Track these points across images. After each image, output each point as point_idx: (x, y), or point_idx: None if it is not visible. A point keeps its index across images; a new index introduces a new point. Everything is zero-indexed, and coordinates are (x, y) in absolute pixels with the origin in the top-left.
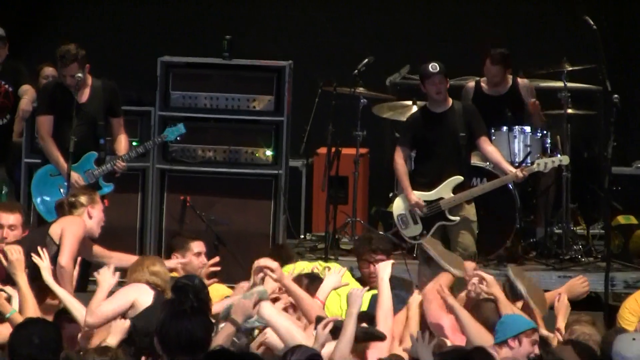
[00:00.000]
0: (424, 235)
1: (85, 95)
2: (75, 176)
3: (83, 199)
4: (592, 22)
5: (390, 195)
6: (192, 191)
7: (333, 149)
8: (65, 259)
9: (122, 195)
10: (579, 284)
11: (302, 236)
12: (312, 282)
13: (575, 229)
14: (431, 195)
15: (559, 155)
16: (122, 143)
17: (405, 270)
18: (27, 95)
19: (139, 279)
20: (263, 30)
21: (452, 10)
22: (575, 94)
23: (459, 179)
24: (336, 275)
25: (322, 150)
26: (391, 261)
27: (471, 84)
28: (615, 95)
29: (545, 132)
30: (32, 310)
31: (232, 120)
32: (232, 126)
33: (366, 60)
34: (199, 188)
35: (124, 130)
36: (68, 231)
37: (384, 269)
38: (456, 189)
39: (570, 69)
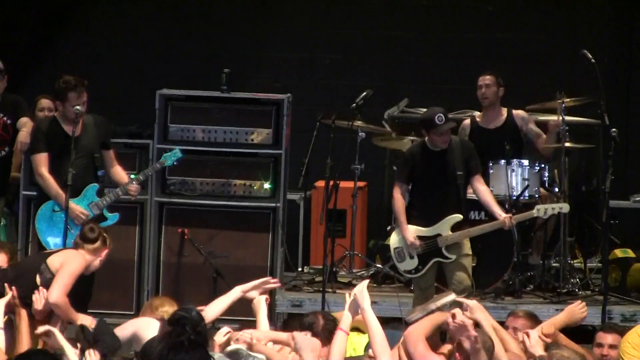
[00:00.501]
0: (419, 270)
1: (79, 129)
2: (78, 209)
3: (107, 238)
4: (590, 56)
5: (388, 228)
6: (191, 224)
7: (331, 183)
8: (56, 294)
9: (121, 228)
10: (578, 309)
11: (299, 269)
12: (327, 322)
13: (572, 262)
14: (429, 231)
15: (560, 203)
16: (121, 172)
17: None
18: (26, 127)
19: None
20: (262, 64)
21: (450, 44)
22: (573, 128)
23: (458, 217)
24: (355, 303)
25: (321, 183)
26: (365, 283)
27: (466, 121)
28: (614, 129)
29: (543, 165)
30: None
31: (230, 153)
32: (230, 159)
33: (364, 93)
34: (197, 221)
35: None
36: (67, 267)
37: (362, 297)
38: (454, 227)
39: (568, 102)
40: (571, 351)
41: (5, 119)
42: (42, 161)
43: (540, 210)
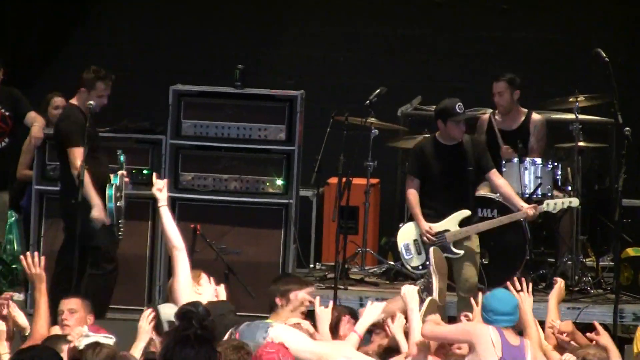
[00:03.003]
0: (427, 266)
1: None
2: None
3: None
4: (604, 55)
5: (401, 225)
6: (203, 220)
7: (344, 179)
8: None
9: (133, 224)
10: (561, 287)
11: (311, 266)
12: (353, 316)
13: (585, 260)
14: (437, 226)
15: (569, 197)
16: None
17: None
18: (37, 122)
19: None
20: (275, 61)
21: (464, 43)
22: (587, 127)
23: (466, 212)
24: (375, 308)
25: (333, 180)
26: (416, 288)
27: (485, 116)
28: (627, 128)
29: (556, 163)
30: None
31: (243, 149)
32: (243, 155)
33: (378, 90)
34: (209, 217)
35: None
36: None
37: (412, 296)
38: (463, 223)
39: (582, 100)
40: (597, 349)
41: (3, 110)
42: (80, 154)
43: (550, 205)
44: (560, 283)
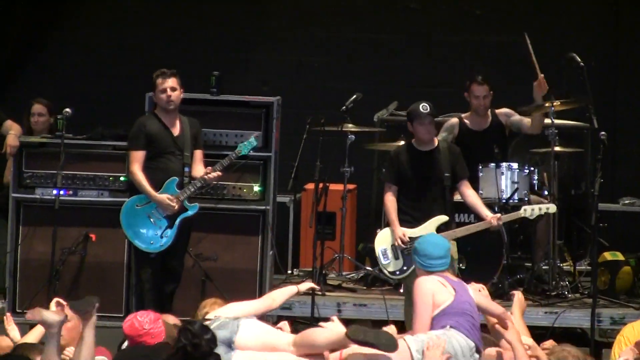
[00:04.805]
0: (404, 271)
1: (178, 127)
2: (166, 198)
3: None
4: (578, 59)
5: (378, 231)
6: None
7: (321, 185)
8: None
9: (109, 231)
10: (521, 297)
11: (289, 272)
12: None
13: (562, 265)
14: (414, 232)
15: (546, 203)
16: (201, 170)
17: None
18: (13, 130)
19: None
20: (250, 67)
21: (439, 47)
22: (562, 131)
23: (444, 218)
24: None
25: (310, 186)
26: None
27: (454, 120)
28: (603, 133)
29: (532, 168)
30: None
31: (219, 155)
32: (219, 162)
33: (354, 96)
34: None
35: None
36: None
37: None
38: (440, 228)
39: (557, 105)
40: (574, 348)
41: None
42: (136, 158)
43: (527, 211)
44: (518, 295)
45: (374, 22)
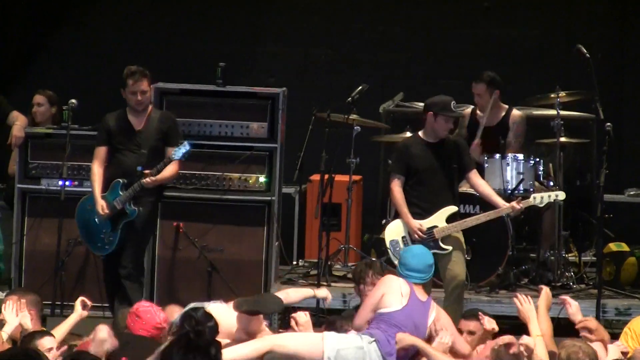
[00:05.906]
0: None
1: (143, 122)
2: (100, 204)
3: None
4: (585, 51)
5: (383, 222)
6: (186, 218)
7: (326, 176)
8: None
9: None
10: (548, 293)
11: (294, 263)
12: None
13: (567, 256)
14: (425, 223)
15: (555, 191)
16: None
17: None
18: (19, 121)
19: None
20: (257, 59)
21: (446, 40)
22: (568, 123)
23: (453, 208)
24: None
25: (316, 177)
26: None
27: (467, 110)
28: (608, 124)
29: (538, 159)
30: None
31: (225, 147)
32: (225, 153)
33: (360, 87)
34: (192, 215)
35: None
36: None
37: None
38: (449, 219)
39: (563, 96)
40: (585, 343)
41: None
42: (96, 154)
43: (537, 199)
44: (546, 290)
45: (381, 14)
